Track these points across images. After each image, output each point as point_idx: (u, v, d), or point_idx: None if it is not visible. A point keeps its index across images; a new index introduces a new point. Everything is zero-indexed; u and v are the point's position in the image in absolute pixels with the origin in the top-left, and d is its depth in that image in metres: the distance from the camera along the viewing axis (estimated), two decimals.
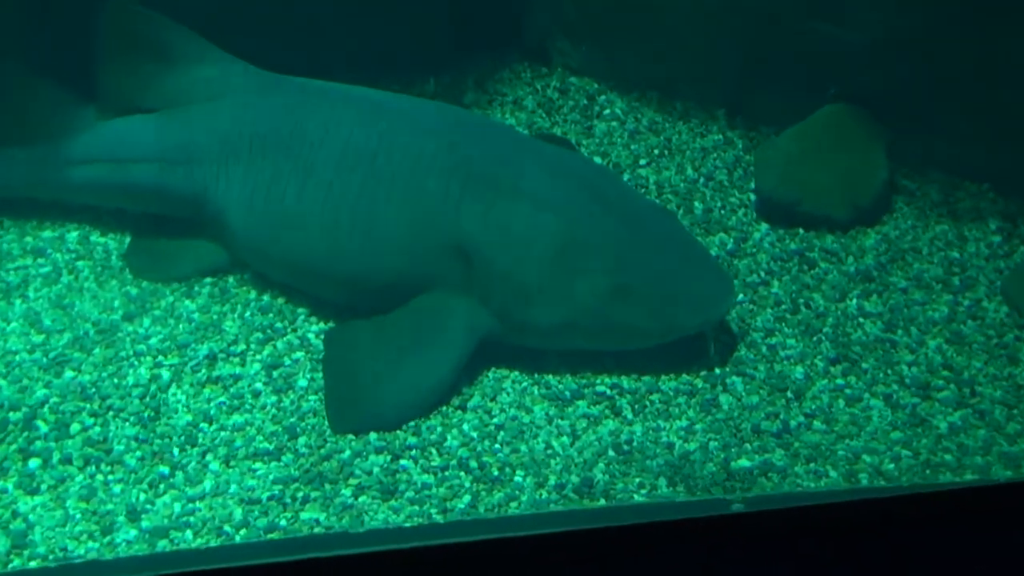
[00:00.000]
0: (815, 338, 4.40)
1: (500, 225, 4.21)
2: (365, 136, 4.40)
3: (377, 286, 4.35)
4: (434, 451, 3.94)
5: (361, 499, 3.77)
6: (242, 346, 4.36)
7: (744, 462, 3.88)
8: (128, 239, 4.88)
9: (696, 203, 5.13)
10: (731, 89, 5.60)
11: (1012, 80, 4.87)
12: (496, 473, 3.86)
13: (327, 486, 3.80)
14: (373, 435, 3.98)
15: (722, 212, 5.08)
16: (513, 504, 3.75)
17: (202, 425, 4.04)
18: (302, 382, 4.21)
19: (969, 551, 3.02)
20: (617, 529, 3.23)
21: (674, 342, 4.23)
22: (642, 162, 5.40)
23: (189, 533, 3.65)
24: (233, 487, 3.80)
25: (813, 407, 4.10)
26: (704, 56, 5.60)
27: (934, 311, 4.53)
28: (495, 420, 4.06)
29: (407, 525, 3.67)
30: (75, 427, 4.02)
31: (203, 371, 4.25)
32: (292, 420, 4.06)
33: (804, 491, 3.77)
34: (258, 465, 3.89)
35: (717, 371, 4.24)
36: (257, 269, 4.64)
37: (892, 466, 3.86)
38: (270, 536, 3.65)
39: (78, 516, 3.70)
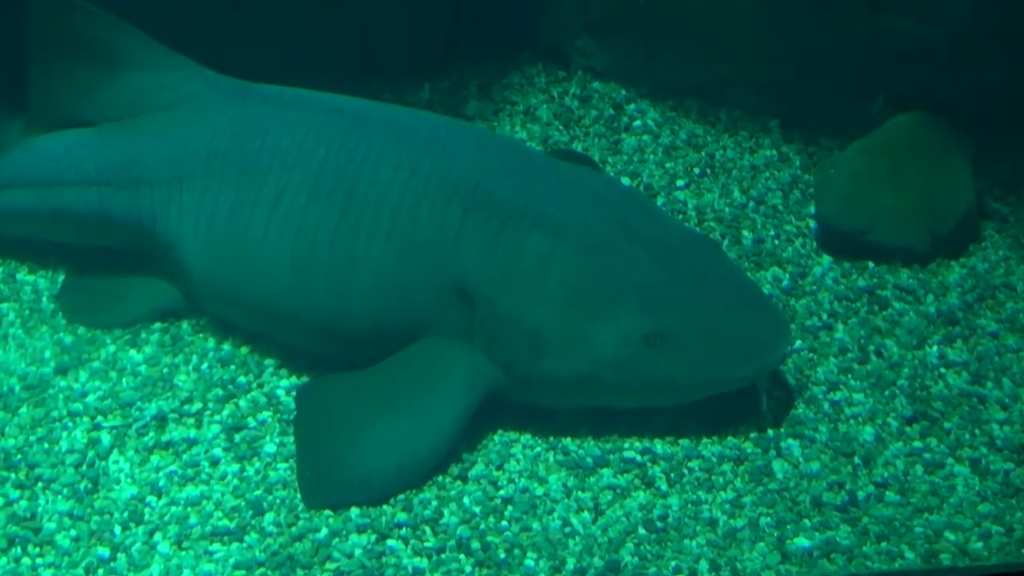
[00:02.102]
0: (888, 392, 4.44)
1: (508, 259, 4.26)
2: (347, 154, 4.46)
3: (360, 333, 4.41)
4: (428, 529, 3.98)
5: None
6: (198, 404, 4.41)
7: (802, 541, 3.91)
8: (62, 277, 4.94)
9: (745, 232, 5.19)
10: (786, 95, 5.65)
11: None
12: (503, 556, 3.89)
13: (299, 572, 3.83)
14: (355, 510, 4.03)
15: (776, 242, 5.14)
16: None
17: (149, 499, 4.08)
18: (270, 447, 4.26)
19: None
20: None
21: (718, 398, 4.27)
22: (679, 183, 5.46)
23: None
24: (186, 573, 3.83)
25: (885, 475, 4.13)
26: (755, 56, 5.65)
27: None
28: (502, 492, 4.10)
29: None
30: None
31: (151, 434, 4.30)
32: (258, 493, 4.10)
33: (874, 574, 3.80)
34: (216, 547, 3.93)
35: (770, 432, 4.28)
36: (216, 312, 4.70)
37: (980, 544, 3.88)
38: None
39: None
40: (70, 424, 4.33)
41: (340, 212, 4.40)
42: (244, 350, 4.63)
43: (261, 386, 4.50)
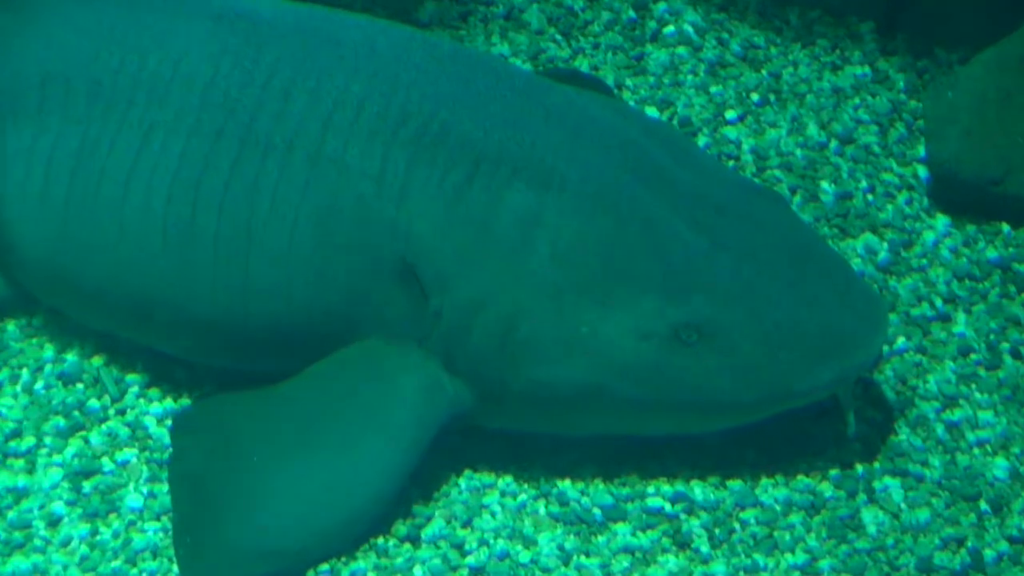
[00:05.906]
0: None
1: (477, 224, 4.29)
2: (243, 76, 4.49)
3: (263, 334, 4.44)
4: None
5: None
6: (30, 439, 4.45)
7: None
8: None
9: (824, 183, 5.21)
10: None
11: None
12: None
13: None
14: None
15: (870, 198, 5.17)
16: None
17: None
18: (134, 500, 4.29)
19: None
20: None
21: (783, 419, 4.30)
22: (730, 115, 5.50)
23: None
24: None
25: None
26: None
27: None
28: (471, 560, 4.13)
29: None
30: None
31: None
32: (116, 564, 4.13)
33: None
34: None
35: (859, 468, 4.32)
36: (56, 307, 4.73)
37: None
38: None
39: None
40: None
41: (234, 160, 4.42)
42: (96, 361, 4.67)
43: (122, 412, 4.54)
